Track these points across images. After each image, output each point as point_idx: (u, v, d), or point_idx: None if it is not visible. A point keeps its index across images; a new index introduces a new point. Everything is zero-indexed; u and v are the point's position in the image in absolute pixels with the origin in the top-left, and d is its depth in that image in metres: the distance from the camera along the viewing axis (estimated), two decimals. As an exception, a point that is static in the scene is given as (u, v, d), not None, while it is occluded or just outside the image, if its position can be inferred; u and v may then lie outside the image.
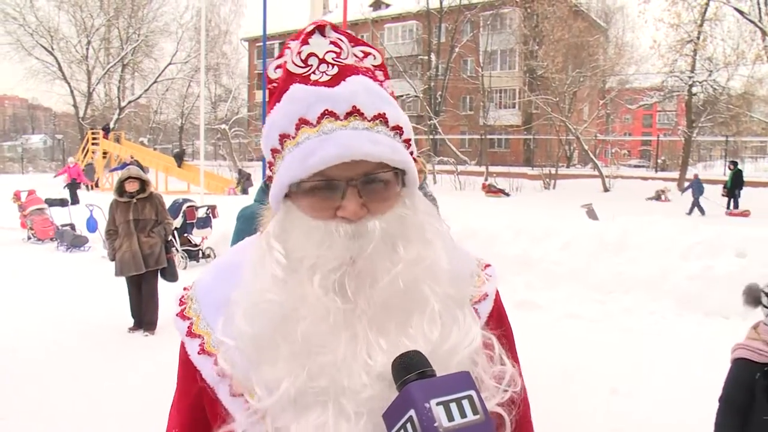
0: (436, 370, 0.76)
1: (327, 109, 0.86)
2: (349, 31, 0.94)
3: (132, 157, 25.28)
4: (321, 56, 0.90)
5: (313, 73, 0.89)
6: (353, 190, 0.84)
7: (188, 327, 0.98)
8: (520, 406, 0.92)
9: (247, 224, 4.13)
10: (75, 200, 19.97)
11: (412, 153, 0.94)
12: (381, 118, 0.88)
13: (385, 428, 0.74)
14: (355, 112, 0.86)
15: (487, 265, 1.08)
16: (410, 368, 0.74)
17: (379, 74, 0.94)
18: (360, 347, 0.82)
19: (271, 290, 0.86)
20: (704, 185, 19.42)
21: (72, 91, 40.66)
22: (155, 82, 42.37)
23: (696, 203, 18.86)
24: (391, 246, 0.86)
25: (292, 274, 0.87)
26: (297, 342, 0.83)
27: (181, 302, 1.01)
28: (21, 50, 38.54)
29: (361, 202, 0.85)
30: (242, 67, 49.92)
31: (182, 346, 0.99)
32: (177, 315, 1.00)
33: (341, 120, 0.85)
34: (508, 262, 7.84)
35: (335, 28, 0.93)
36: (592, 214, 13.01)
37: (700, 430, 2.65)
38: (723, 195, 19.73)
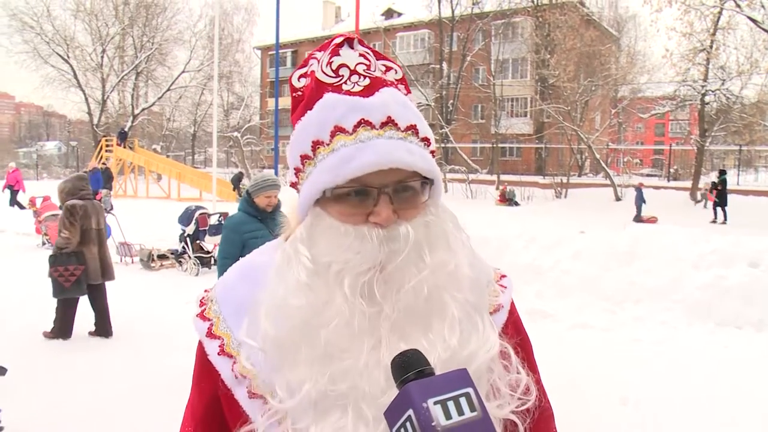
0: None
1: (363, 118, 0.88)
2: (370, 45, 0.97)
3: (103, 164, 25.32)
4: (352, 67, 0.93)
5: (345, 83, 0.92)
6: (386, 197, 0.87)
7: (208, 328, 0.99)
8: (534, 414, 0.93)
9: (232, 232, 4.28)
10: (13, 204, 20.79)
11: None
12: (413, 129, 0.91)
13: None
14: (389, 122, 0.89)
15: (503, 276, 1.10)
16: (409, 367, 0.74)
17: (402, 88, 0.97)
18: (383, 352, 0.84)
19: (295, 294, 0.88)
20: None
21: (86, 99, 41.22)
22: (168, 90, 42.83)
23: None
24: (417, 252, 0.88)
25: (317, 279, 0.88)
26: (319, 346, 0.85)
27: (202, 303, 1.03)
28: (37, 58, 39.25)
29: (392, 208, 0.87)
30: (255, 75, 50.39)
31: (200, 347, 1.00)
32: (197, 316, 1.01)
33: (377, 129, 0.88)
34: (518, 270, 7.83)
35: (362, 42, 0.96)
36: None
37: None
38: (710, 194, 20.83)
